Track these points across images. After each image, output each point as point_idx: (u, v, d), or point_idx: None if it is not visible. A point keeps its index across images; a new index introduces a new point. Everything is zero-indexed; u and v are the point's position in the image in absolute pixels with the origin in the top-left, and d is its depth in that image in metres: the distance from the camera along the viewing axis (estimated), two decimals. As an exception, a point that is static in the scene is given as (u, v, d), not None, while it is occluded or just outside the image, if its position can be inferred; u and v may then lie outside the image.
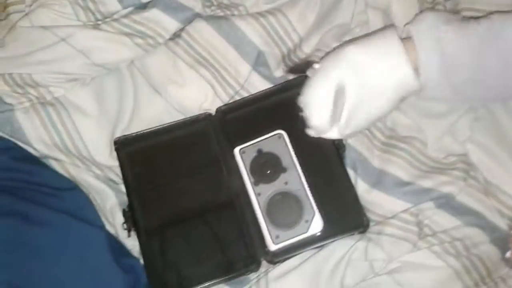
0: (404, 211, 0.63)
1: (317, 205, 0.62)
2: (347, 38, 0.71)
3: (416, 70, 0.57)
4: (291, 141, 0.66)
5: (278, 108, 0.68)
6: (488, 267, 0.61)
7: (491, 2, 0.67)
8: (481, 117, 0.65)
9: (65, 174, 0.65)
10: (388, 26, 0.64)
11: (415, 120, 0.67)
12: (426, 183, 0.64)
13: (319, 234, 0.62)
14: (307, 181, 0.63)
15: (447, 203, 0.62)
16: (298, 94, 0.64)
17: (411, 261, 0.60)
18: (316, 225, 0.62)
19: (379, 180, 0.65)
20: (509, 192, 0.62)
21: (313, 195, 0.63)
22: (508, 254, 0.63)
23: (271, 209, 0.63)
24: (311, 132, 0.64)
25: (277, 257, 0.62)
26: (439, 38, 0.57)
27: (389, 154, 0.66)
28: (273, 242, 0.61)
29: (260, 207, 0.63)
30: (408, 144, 0.66)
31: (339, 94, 0.59)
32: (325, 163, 0.65)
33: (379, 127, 0.67)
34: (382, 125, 0.68)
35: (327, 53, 0.65)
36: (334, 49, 0.63)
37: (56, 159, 0.65)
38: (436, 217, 0.62)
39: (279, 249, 0.61)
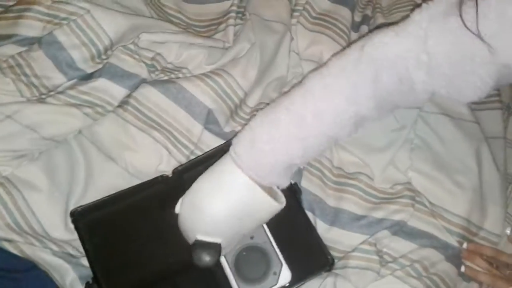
0: (363, 242, 0.67)
1: (284, 255, 0.64)
2: (286, 89, 0.77)
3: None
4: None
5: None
6: (448, 283, 0.66)
7: None
8: (418, 147, 0.71)
9: (20, 255, 0.62)
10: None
11: (359, 156, 0.72)
12: (379, 214, 0.68)
13: (288, 284, 0.63)
14: (271, 232, 0.65)
15: (400, 230, 0.67)
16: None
17: (378, 289, 0.64)
18: (285, 276, 0.63)
19: (336, 217, 0.69)
20: (453, 211, 0.68)
21: (279, 245, 0.64)
22: (462, 269, 0.68)
23: (239, 265, 0.64)
24: None
25: (249, 312, 0.62)
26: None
27: (341, 192, 0.70)
28: (244, 298, 0.62)
29: (228, 264, 0.64)
30: (356, 179, 0.71)
31: None
32: (285, 209, 0.66)
33: (329, 168, 0.72)
34: (330, 165, 0.72)
35: None
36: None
37: (9, 240, 0.62)
38: (393, 244, 0.67)
39: (250, 304, 0.61)
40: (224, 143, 0.71)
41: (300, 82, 0.61)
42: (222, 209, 0.56)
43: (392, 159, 0.71)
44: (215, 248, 0.58)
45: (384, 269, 0.65)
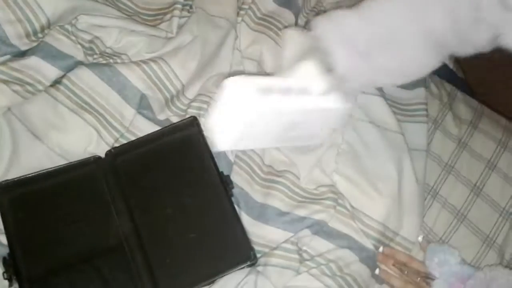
0: (286, 241, 0.68)
1: (208, 245, 0.65)
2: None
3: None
4: (179, 183, 0.69)
5: (168, 149, 0.71)
6: (360, 284, 0.68)
7: None
8: (344, 152, 0.74)
9: None
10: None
11: (288, 156, 0.74)
12: (302, 212, 0.70)
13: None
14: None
15: (321, 230, 0.69)
16: (187, 135, 0.69)
17: (293, 286, 0.65)
18: None
19: (261, 212, 0.70)
20: (371, 215, 0.70)
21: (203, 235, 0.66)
22: (377, 271, 0.71)
23: None
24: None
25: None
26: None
27: (268, 189, 0.72)
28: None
29: None
30: (283, 177, 0.72)
31: None
32: (215, 200, 0.68)
33: (259, 164, 0.73)
34: (261, 162, 0.73)
35: None
36: None
37: None
38: (313, 243, 0.68)
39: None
40: (162, 129, 0.72)
41: None
42: None
43: (319, 161, 0.73)
44: None
45: (302, 266, 0.67)
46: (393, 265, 0.70)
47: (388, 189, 0.71)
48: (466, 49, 0.57)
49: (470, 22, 0.53)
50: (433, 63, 0.59)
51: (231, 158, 0.71)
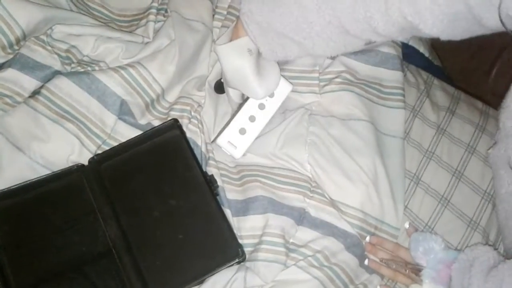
0: (272, 235, 0.68)
1: (196, 245, 0.66)
2: (205, 88, 0.78)
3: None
4: (164, 185, 0.69)
5: (151, 153, 0.72)
6: (348, 274, 0.69)
7: None
8: (313, 142, 0.74)
9: None
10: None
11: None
12: (281, 199, 0.71)
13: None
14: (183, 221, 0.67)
15: (304, 219, 0.70)
16: (169, 138, 0.71)
17: (282, 279, 0.66)
18: None
19: (243, 207, 0.71)
20: (347, 203, 0.71)
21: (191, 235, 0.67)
22: (366, 262, 0.72)
23: None
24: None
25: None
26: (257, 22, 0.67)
27: (244, 184, 0.72)
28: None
29: None
30: (255, 170, 0.74)
31: None
32: (200, 200, 0.68)
33: (227, 168, 0.75)
34: (227, 166, 0.75)
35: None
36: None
37: None
38: (298, 233, 0.69)
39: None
40: (143, 133, 0.72)
41: None
42: None
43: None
44: None
45: (289, 259, 0.68)
46: (381, 260, 0.71)
47: (360, 176, 0.72)
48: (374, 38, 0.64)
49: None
50: (337, 47, 0.68)
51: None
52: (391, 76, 0.80)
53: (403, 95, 0.79)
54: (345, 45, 0.67)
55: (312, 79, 0.78)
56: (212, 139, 0.76)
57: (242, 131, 0.72)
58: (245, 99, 0.74)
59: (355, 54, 0.79)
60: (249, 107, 0.73)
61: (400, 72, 0.81)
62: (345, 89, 0.76)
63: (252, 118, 0.73)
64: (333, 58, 0.79)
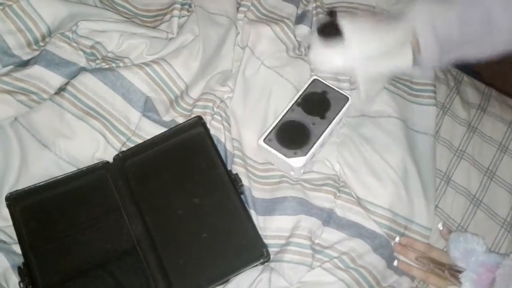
0: (299, 236, 0.66)
1: (220, 244, 0.66)
2: (229, 83, 0.77)
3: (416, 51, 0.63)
4: (188, 183, 0.68)
5: (175, 150, 0.71)
6: (375, 276, 0.67)
7: None
8: (343, 142, 0.73)
9: None
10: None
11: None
12: (311, 199, 0.69)
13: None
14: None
15: (331, 219, 0.68)
16: (194, 135, 0.70)
17: (307, 281, 0.65)
18: None
19: (269, 207, 0.69)
20: (375, 203, 0.69)
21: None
22: (395, 263, 0.69)
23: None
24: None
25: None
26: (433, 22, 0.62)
27: (271, 184, 0.71)
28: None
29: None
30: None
31: None
32: (225, 199, 0.68)
33: (253, 165, 0.73)
34: (255, 163, 0.73)
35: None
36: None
37: None
38: (324, 234, 0.68)
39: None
40: (167, 130, 0.72)
41: None
42: None
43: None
44: None
45: (314, 260, 0.66)
46: (417, 258, 0.68)
47: (389, 175, 0.70)
48: None
49: None
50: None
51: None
52: (422, 73, 0.78)
53: (435, 92, 0.77)
54: None
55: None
56: (261, 137, 0.71)
57: (312, 156, 0.70)
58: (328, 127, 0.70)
59: None
60: (325, 136, 0.69)
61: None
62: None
63: (322, 144, 0.71)
64: None
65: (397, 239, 0.69)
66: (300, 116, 0.71)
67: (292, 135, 0.69)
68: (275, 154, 0.69)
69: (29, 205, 0.66)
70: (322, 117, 0.70)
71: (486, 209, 0.74)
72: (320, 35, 0.64)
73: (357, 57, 0.63)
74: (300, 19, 0.83)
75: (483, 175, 0.76)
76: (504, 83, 1.08)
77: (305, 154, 0.68)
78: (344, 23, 0.63)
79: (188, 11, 0.81)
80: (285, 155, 0.68)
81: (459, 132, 0.79)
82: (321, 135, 0.69)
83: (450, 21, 0.62)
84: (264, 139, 0.70)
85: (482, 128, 0.80)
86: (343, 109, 0.70)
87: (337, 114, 0.70)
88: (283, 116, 0.71)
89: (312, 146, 0.68)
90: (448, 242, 0.67)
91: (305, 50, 0.70)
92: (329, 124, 0.69)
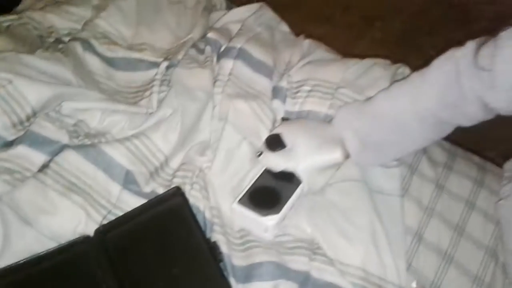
0: None
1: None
2: (208, 152, 0.81)
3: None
4: (168, 254, 0.70)
5: (155, 221, 0.72)
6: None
7: None
8: (309, 205, 0.76)
9: None
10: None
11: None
12: (287, 263, 0.70)
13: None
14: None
15: (309, 281, 0.70)
16: (173, 206, 0.72)
17: None
18: None
19: (247, 274, 0.70)
20: (347, 262, 0.72)
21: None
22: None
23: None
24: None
25: None
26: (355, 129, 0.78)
27: (247, 250, 0.73)
28: None
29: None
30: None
31: None
32: (204, 268, 0.68)
33: (233, 234, 0.75)
34: (231, 230, 0.76)
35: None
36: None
37: None
38: None
39: None
40: (147, 202, 0.74)
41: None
42: None
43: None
44: None
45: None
46: None
47: (358, 235, 0.73)
48: (463, 121, 0.72)
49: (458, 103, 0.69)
50: (433, 137, 0.77)
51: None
52: None
53: None
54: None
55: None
56: (234, 200, 0.75)
57: (284, 217, 0.75)
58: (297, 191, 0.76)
59: None
60: (295, 198, 0.76)
61: None
62: None
63: (292, 207, 0.76)
64: None
65: (374, 299, 0.71)
66: (270, 181, 0.77)
67: (264, 197, 0.75)
68: (249, 215, 0.73)
69: (11, 284, 0.66)
70: (290, 181, 0.77)
71: (458, 266, 0.76)
72: (268, 145, 0.79)
73: (297, 158, 0.77)
74: (274, 93, 0.88)
75: (453, 232, 0.79)
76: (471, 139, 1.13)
77: (278, 213, 0.72)
78: (285, 134, 0.79)
79: (167, 86, 0.86)
80: (259, 214, 0.72)
81: (428, 191, 0.82)
82: (291, 196, 0.75)
83: (367, 123, 0.77)
84: (238, 202, 0.74)
85: (449, 185, 0.84)
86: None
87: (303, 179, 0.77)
88: (255, 181, 0.77)
89: (284, 206, 0.74)
90: None
91: (257, 155, 0.80)
92: (298, 187, 0.76)
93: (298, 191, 0.76)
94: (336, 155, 0.77)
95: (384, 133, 0.76)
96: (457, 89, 0.68)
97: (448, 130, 0.75)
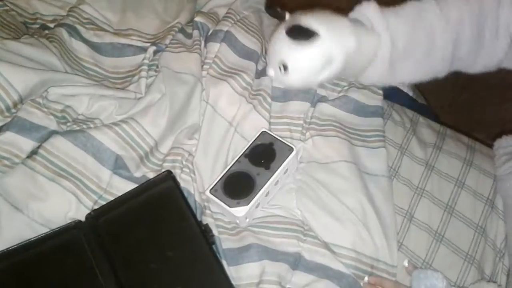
0: (269, 282, 0.68)
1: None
2: (196, 135, 0.81)
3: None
4: (160, 237, 0.70)
5: (146, 205, 0.73)
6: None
7: None
8: (300, 188, 0.76)
9: None
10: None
11: None
12: (276, 246, 0.71)
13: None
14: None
15: (299, 263, 0.71)
16: (164, 190, 0.71)
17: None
18: None
19: (238, 256, 0.71)
20: (339, 244, 0.72)
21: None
22: (364, 302, 0.72)
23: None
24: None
25: None
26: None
27: (238, 234, 0.74)
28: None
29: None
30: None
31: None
32: (197, 251, 0.69)
33: (224, 218, 0.75)
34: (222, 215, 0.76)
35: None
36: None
37: None
38: (294, 278, 0.70)
39: None
40: (138, 186, 0.74)
41: None
42: None
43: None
44: None
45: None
46: None
47: (348, 216, 0.73)
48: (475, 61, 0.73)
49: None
50: (440, 70, 0.74)
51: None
52: (370, 121, 0.83)
53: (383, 136, 0.82)
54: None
55: (297, 125, 0.81)
56: (207, 187, 0.76)
57: (257, 205, 0.74)
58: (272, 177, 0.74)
59: (333, 101, 0.83)
60: (269, 186, 0.73)
61: (380, 118, 0.84)
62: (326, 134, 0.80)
63: (267, 194, 0.74)
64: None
65: (366, 278, 0.72)
66: (246, 167, 0.75)
67: (237, 186, 0.74)
68: (220, 205, 0.73)
69: (3, 269, 0.66)
70: (267, 167, 0.74)
71: (449, 244, 0.78)
72: (292, 37, 0.65)
73: (335, 50, 0.67)
74: (262, 73, 0.88)
75: (443, 211, 0.80)
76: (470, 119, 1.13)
77: (248, 204, 0.71)
78: (313, 22, 0.66)
79: (155, 71, 0.85)
80: (229, 205, 0.72)
81: (418, 171, 0.83)
82: (264, 184, 0.73)
83: (398, 30, 0.71)
84: (211, 190, 0.74)
85: (439, 166, 0.84)
86: (287, 160, 0.74)
87: (281, 164, 0.74)
88: (230, 167, 0.75)
89: (255, 196, 0.72)
90: (411, 280, 0.70)
91: (274, 72, 0.73)
92: (273, 174, 0.73)
93: (274, 177, 0.73)
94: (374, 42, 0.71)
95: (414, 41, 0.72)
96: (492, 20, 0.68)
97: (450, 68, 0.74)
